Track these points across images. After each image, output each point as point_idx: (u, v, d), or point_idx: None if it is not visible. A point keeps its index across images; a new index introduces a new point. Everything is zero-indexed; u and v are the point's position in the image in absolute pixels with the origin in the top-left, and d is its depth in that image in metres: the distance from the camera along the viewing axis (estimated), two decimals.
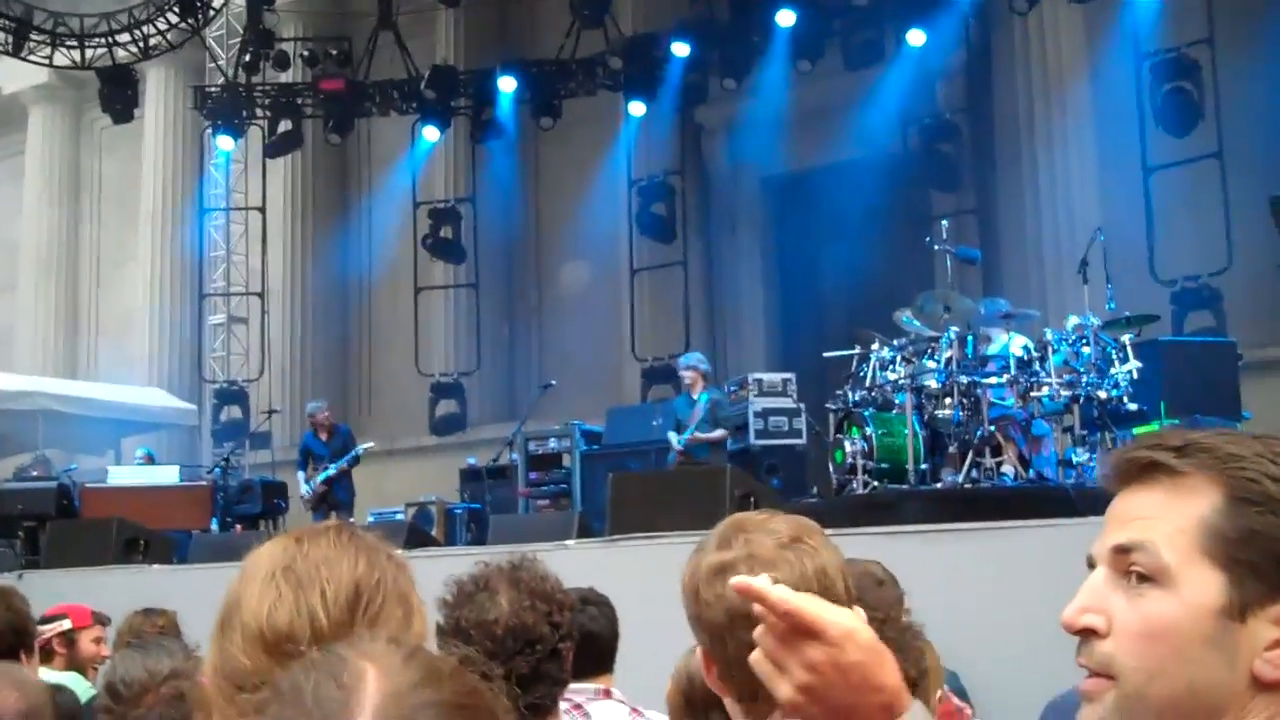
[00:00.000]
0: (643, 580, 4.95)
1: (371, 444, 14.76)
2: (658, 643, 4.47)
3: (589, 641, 3.58)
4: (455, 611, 2.81)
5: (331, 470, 14.02)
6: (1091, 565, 1.43)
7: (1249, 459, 1.37)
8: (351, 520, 13.67)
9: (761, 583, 1.54)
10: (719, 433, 12.31)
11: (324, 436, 14.40)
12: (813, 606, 1.52)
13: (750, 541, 1.92)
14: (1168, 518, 1.37)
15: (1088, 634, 1.38)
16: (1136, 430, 9.68)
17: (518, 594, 2.83)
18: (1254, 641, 1.33)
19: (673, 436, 12.38)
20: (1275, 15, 14.22)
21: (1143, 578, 1.36)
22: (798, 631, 1.51)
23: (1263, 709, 1.33)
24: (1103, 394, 9.41)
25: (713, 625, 1.90)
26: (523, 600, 2.82)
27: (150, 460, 15.63)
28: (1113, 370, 9.56)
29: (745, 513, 2.02)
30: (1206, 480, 1.37)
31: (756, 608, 1.52)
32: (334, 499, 14.00)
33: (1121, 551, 1.38)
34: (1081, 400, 9.42)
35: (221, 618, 1.79)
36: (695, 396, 12.49)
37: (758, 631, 1.54)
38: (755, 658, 1.55)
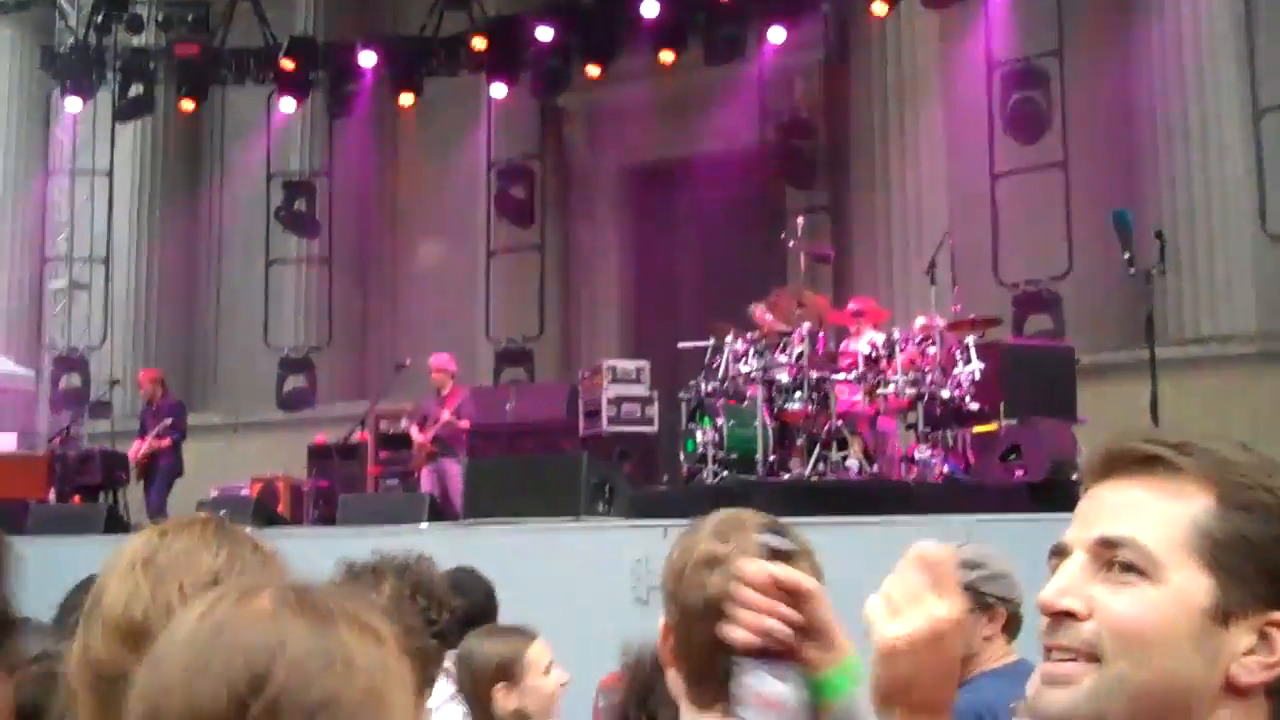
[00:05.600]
0: (499, 565, 5.01)
1: None
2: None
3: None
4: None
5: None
6: (1060, 552, 1.42)
7: (1245, 466, 1.38)
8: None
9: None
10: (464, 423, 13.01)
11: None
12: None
13: (745, 543, 1.98)
14: (1158, 513, 1.37)
15: (1065, 617, 1.38)
16: (976, 429, 10.01)
17: (400, 584, 2.88)
18: (1233, 646, 1.34)
19: (414, 430, 13.21)
20: (1121, 29, 14.72)
21: (1127, 568, 1.36)
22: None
23: (1229, 713, 1.35)
24: (946, 393, 9.70)
25: (687, 607, 1.97)
26: (404, 590, 2.86)
27: None
28: (956, 370, 9.85)
29: (743, 512, 2.06)
30: (1201, 481, 1.38)
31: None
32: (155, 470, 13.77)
33: (1108, 544, 1.38)
34: (925, 399, 9.70)
35: (86, 609, 1.81)
36: (443, 393, 13.16)
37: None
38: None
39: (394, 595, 2.84)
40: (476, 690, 3.82)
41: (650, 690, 3.04)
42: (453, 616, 3.07)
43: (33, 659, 2.52)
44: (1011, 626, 3.60)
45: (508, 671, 3.83)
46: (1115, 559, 1.37)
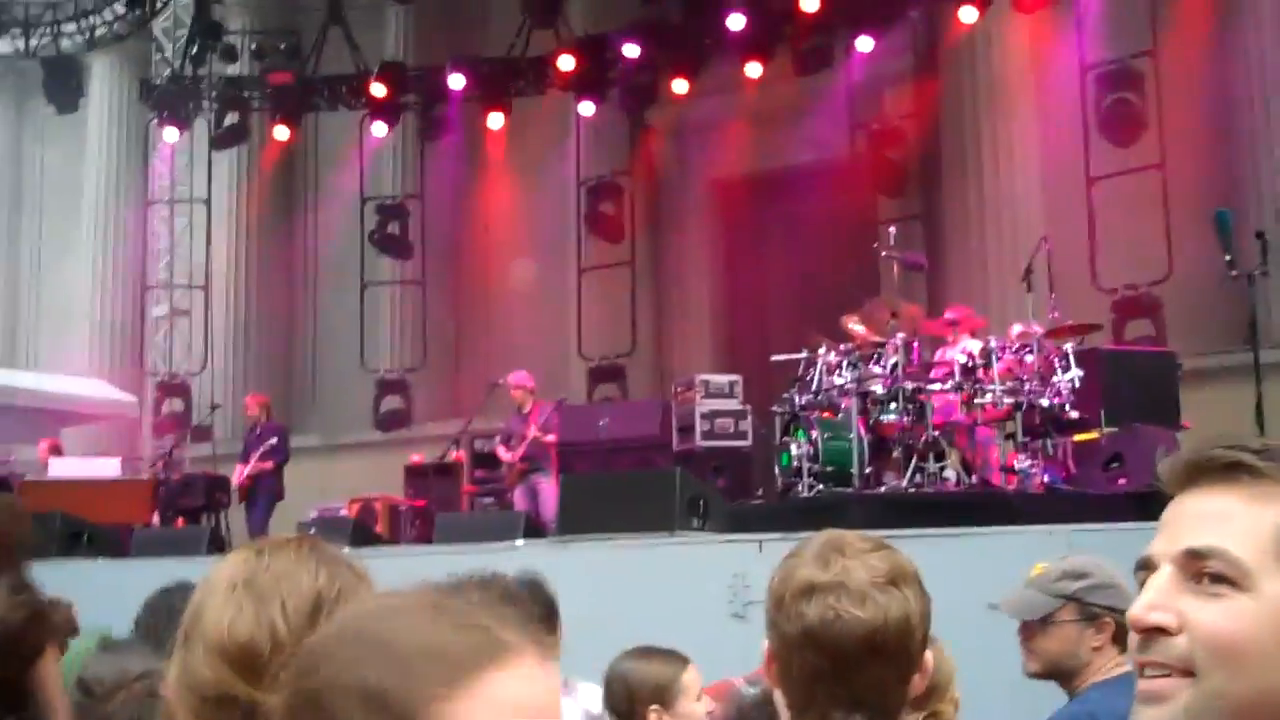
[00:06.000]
0: (594, 580, 4.99)
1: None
2: (604, 643, 4.52)
3: None
4: None
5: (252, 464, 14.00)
6: (1147, 566, 1.39)
7: None
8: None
9: None
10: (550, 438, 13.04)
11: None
12: None
13: (847, 570, 1.94)
14: (1244, 521, 1.34)
15: (1156, 633, 1.35)
16: (1077, 438, 9.84)
17: (487, 595, 2.87)
18: None
19: (501, 450, 13.25)
20: (1216, 26, 14.44)
21: (1217, 579, 1.33)
22: None
23: None
24: (1045, 402, 9.54)
25: (786, 636, 1.95)
26: (492, 599, 2.86)
27: None
28: (1055, 378, 9.68)
29: (847, 534, 2.02)
30: None
31: None
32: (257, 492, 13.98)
33: (1196, 555, 1.34)
34: (1024, 407, 9.54)
35: (184, 629, 1.81)
36: (524, 411, 13.16)
37: None
38: None
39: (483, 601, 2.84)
40: (631, 709, 3.82)
41: None
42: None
43: (136, 677, 2.55)
44: (1123, 637, 3.52)
45: (664, 694, 3.83)
46: (1204, 570, 1.33)
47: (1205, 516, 1.35)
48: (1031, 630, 3.48)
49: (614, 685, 3.85)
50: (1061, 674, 3.49)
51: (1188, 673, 1.32)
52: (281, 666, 1.71)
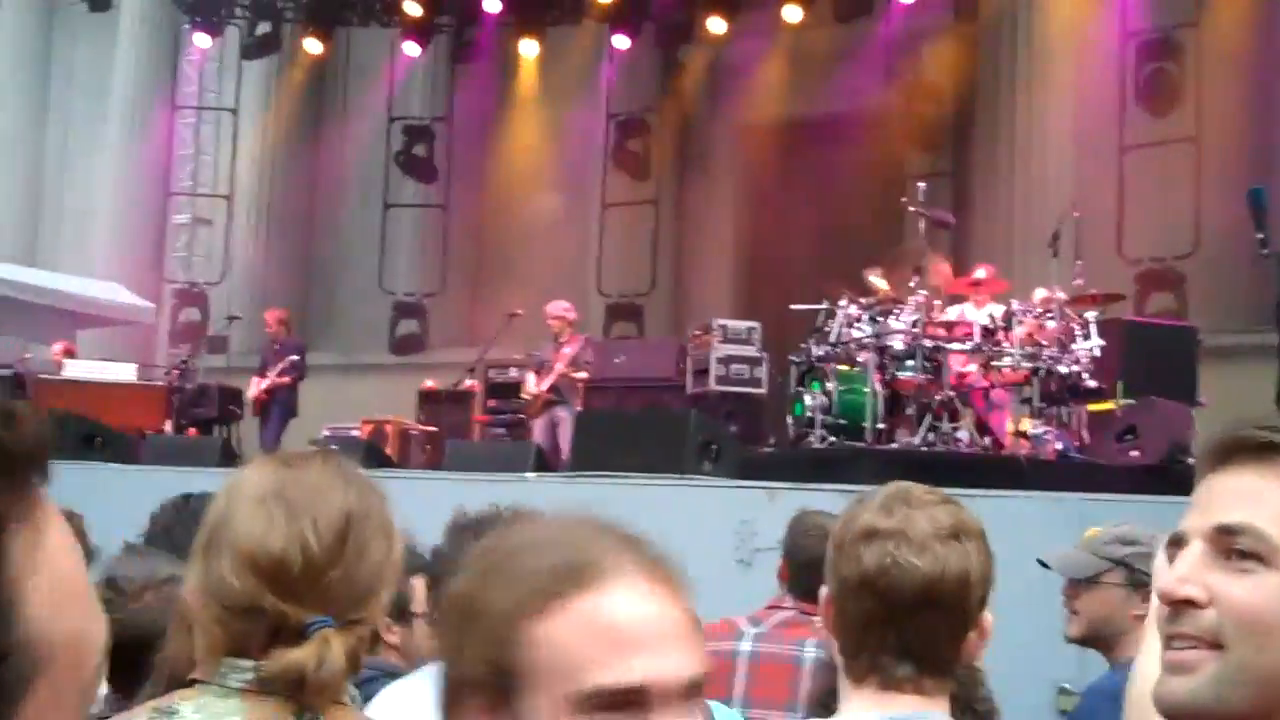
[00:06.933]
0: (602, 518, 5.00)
1: None
2: None
3: None
4: (457, 537, 2.89)
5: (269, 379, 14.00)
6: (1178, 542, 1.43)
7: None
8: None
9: None
10: (582, 375, 12.60)
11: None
12: None
13: (910, 518, 1.93)
14: (1276, 499, 1.37)
15: (1186, 605, 1.38)
16: (1092, 407, 9.81)
17: None
18: None
19: (530, 378, 12.69)
20: (1260, 3, 14.25)
21: (1246, 555, 1.36)
22: None
23: None
24: (1063, 369, 9.50)
25: (843, 580, 1.94)
26: None
27: None
28: (1074, 346, 9.65)
29: (915, 486, 2.01)
30: None
31: None
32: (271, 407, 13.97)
33: (1226, 532, 1.38)
34: (1042, 373, 9.51)
35: (208, 537, 1.81)
36: (561, 341, 12.66)
37: None
38: None
39: None
40: None
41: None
42: None
43: (164, 580, 2.56)
44: None
45: None
46: (1234, 546, 1.37)
47: (1237, 494, 1.39)
48: (1077, 590, 3.49)
49: None
50: (1101, 640, 3.49)
51: (1216, 645, 1.36)
52: (311, 582, 1.73)
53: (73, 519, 4.37)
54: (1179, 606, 1.38)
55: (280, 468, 1.84)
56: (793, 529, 4.17)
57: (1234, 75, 14.37)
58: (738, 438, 10.82)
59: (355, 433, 13.41)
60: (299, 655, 1.70)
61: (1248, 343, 11.71)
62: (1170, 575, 1.40)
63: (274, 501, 1.78)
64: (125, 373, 14.36)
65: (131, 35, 21.51)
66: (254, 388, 14.10)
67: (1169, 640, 1.40)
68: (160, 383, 14.65)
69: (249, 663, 1.73)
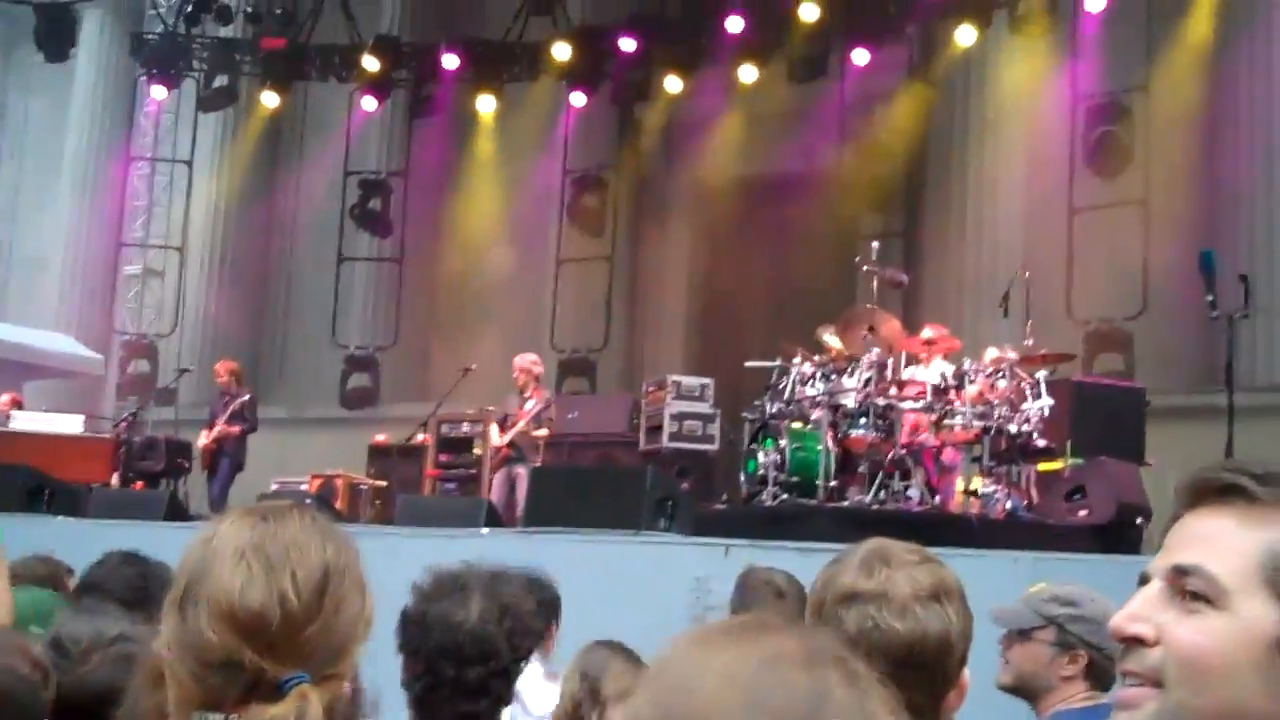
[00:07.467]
0: (557, 575, 4.97)
1: None
2: (568, 635, 4.50)
3: None
4: (425, 604, 2.86)
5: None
6: (1144, 581, 1.42)
7: None
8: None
9: None
10: (543, 432, 12.44)
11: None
12: None
13: (890, 580, 1.92)
14: (1234, 542, 1.36)
15: (1135, 642, 1.38)
16: (1042, 467, 9.88)
17: (490, 605, 2.86)
18: None
19: (494, 430, 12.52)
20: (1210, 69, 14.48)
21: (1197, 596, 1.36)
22: None
23: None
24: (1013, 428, 9.57)
25: None
26: (493, 612, 2.85)
27: None
28: (1025, 405, 9.72)
29: (894, 544, 1.99)
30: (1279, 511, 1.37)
31: None
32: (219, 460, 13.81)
33: (1180, 572, 1.37)
34: (992, 432, 9.57)
35: (183, 590, 1.79)
36: (525, 395, 12.55)
37: None
38: None
39: (481, 617, 2.83)
40: (595, 699, 3.80)
41: None
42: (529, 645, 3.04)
43: (111, 640, 2.52)
44: (1099, 675, 3.54)
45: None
46: (1186, 587, 1.37)
47: (1197, 536, 1.39)
48: (1010, 641, 3.54)
49: (585, 676, 3.83)
50: (1028, 692, 3.54)
51: (1159, 684, 1.36)
52: (289, 637, 1.72)
53: (49, 563, 4.29)
54: (1130, 644, 1.39)
55: (258, 521, 1.83)
56: (740, 586, 4.17)
57: (1182, 139, 14.58)
58: (690, 494, 10.83)
59: (304, 487, 13.29)
60: (278, 711, 1.69)
61: (1195, 403, 11.84)
62: (1121, 612, 1.41)
63: (253, 555, 1.77)
64: (73, 425, 14.21)
65: (88, 86, 21.48)
66: (203, 438, 13.96)
67: (1122, 677, 1.40)
68: (108, 435, 14.51)
69: (220, 717, 1.71)
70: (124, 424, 14.72)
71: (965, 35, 15.22)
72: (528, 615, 2.97)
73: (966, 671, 1.98)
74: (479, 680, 2.80)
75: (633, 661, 3.94)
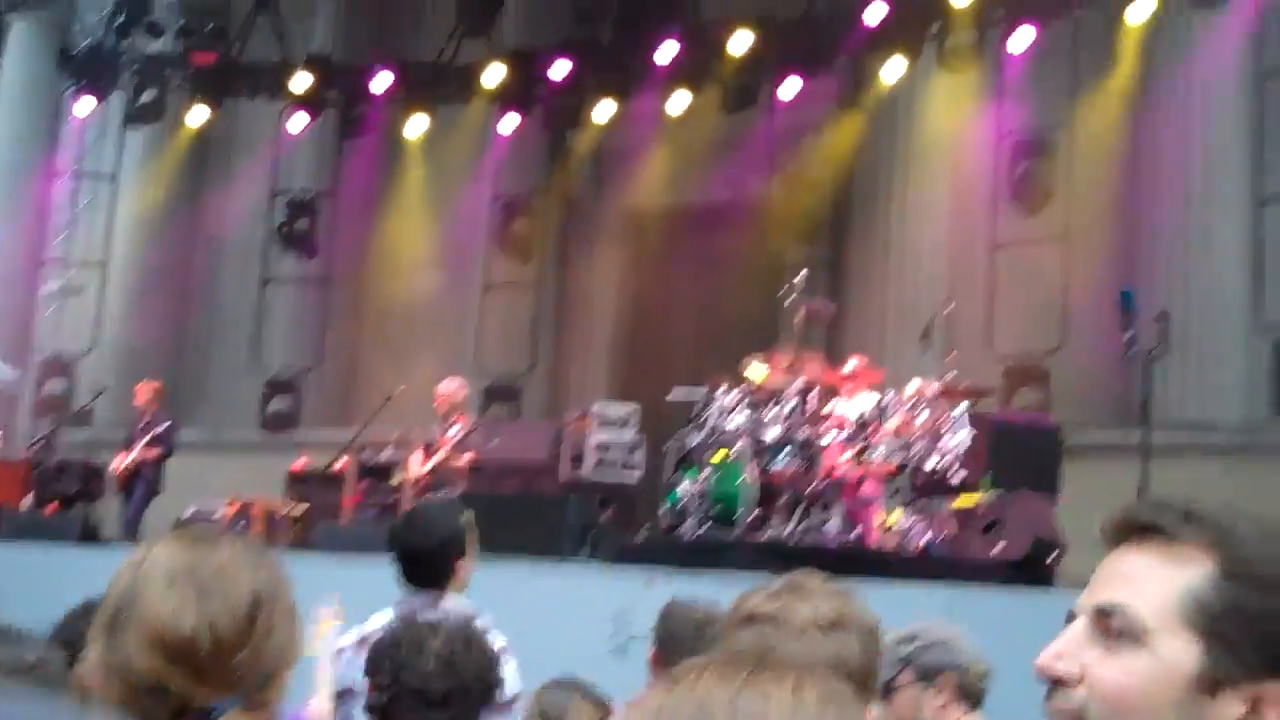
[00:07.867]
0: (476, 602, 4.95)
1: None
2: None
3: None
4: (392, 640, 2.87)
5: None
6: (1071, 618, 1.43)
7: (1247, 537, 1.38)
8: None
9: None
10: (468, 455, 12.32)
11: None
12: None
13: (789, 608, 1.92)
14: (1155, 581, 1.38)
15: (1060, 682, 1.39)
16: (959, 502, 9.97)
17: (451, 651, 2.87)
18: (1221, 716, 1.34)
19: (416, 458, 12.39)
20: (1134, 109, 14.68)
21: (1119, 635, 1.37)
22: None
23: None
24: (932, 462, 9.66)
25: None
26: (453, 659, 2.86)
27: None
28: (944, 439, 9.81)
29: (812, 578, 2.00)
30: (1201, 550, 1.38)
31: None
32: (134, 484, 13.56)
33: (1103, 611, 1.39)
34: (910, 466, 9.65)
35: (113, 614, 1.76)
36: (448, 422, 12.43)
37: None
38: None
39: (443, 657, 2.85)
40: None
41: None
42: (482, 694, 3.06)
43: (30, 666, 2.47)
44: (967, 692, 3.56)
45: None
46: (1109, 626, 1.38)
47: (1120, 575, 1.41)
48: (881, 701, 3.55)
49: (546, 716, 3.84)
50: None
51: None
52: (219, 663, 1.70)
53: None
54: (1055, 683, 1.40)
55: (190, 546, 1.81)
56: (663, 617, 4.19)
57: (1103, 176, 14.79)
58: (613, 524, 10.82)
59: (221, 512, 13.10)
60: None
61: (1112, 440, 11.98)
62: (1045, 652, 1.41)
63: (185, 581, 1.75)
64: None
65: (10, 99, 21.11)
66: (119, 461, 13.70)
67: (1049, 715, 1.41)
68: (22, 456, 14.25)
69: None
70: (38, 445, 14.45)
71: (894, 68, 15.37)
72: (487, 671, 3.00)
73: (874, 709, 1.99)
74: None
75: (593, 700, 3.94)
